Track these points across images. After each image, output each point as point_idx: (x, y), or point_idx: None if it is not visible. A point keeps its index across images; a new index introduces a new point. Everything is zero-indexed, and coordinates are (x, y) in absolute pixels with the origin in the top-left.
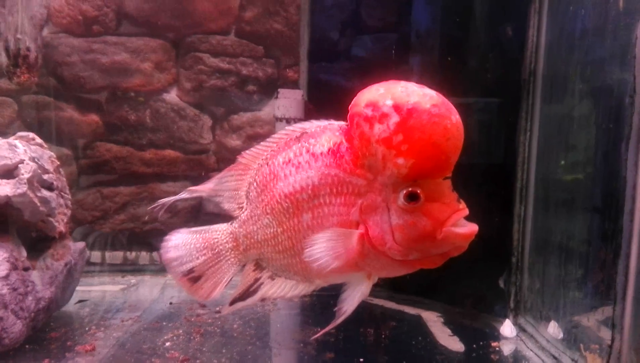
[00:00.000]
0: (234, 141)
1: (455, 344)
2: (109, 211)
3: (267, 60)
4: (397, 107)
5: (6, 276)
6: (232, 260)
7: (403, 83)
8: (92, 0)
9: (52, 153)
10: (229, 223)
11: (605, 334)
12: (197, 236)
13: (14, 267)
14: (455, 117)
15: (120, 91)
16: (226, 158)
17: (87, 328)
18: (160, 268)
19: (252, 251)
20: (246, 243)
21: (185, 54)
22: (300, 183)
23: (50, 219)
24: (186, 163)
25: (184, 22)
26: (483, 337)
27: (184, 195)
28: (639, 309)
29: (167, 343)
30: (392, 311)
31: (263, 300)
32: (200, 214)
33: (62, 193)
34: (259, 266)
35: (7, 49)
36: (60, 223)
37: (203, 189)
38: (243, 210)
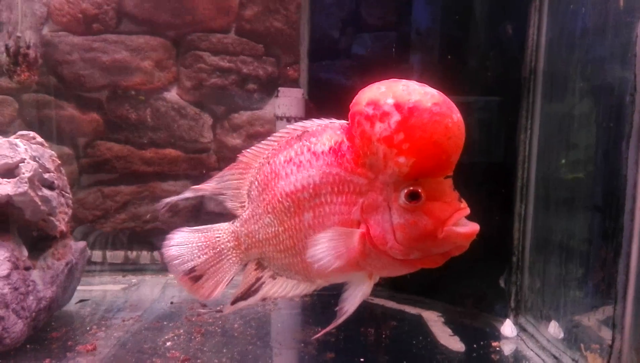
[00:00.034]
0: (234, 140)
1: (455, 344)
2: (109, 210)
3: (268, 58)
4: (398, 106)
5: (7, 276)
6: (234, 259)
7: (404, 82)
8: None
9: (53, 152)
10: (231, 222)
11: (606, 334)
12: (199, 235)
13: (15, 267)
14: (457, 116)
15: (121, 89)
16: (227, 157)
17: (88, 328)
18: (161, 268)
19: (253, 250)
20: (247, 242)
21: (186, 53)
22: (301, 181)
23: (51, 218)
24: (187, 162)
25: (184, 21)
26: (483, 336)
27: (187, 194)
28: None
29: (168, 343)
30: (392, 311)
31: (264, 299)
32: (200, 213)
33: (63, 192)
34: (260, 265)
35: (7, 48)
36: (61, 222)
37: (206, 188)
38: (245, 209)
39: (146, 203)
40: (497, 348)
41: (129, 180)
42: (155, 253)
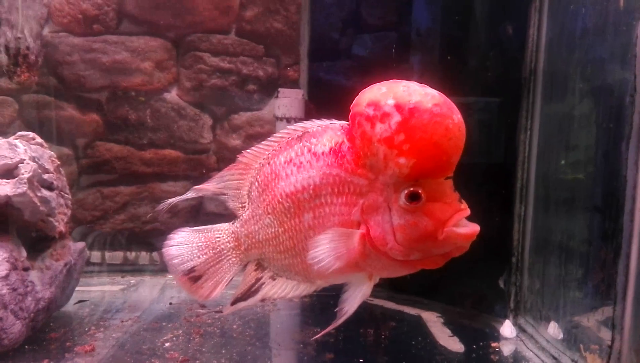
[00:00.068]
0: (234, 141)
1: (455, 344)
2: (109, 211)
3: (268, 59)
4: (398, 107)
5: (6, 277)
6: (234, 259)
7: (405, 82)
8: None
9: (53, 153)
10: (231, 222)
11: (605, 334)
12: (200, 235)
13: (14, 267)
14: (457, 116)
15: (121, 90)
16: (226, 158)
17: (86, 329)
18: (160, 269)
19: (253, 251)
20: (247, 243)
21: (186, 53)
22: (301, 182)
23: (50, 219)
24: (186, 163)
25: (185, 21)
26: (483, 337)
27: (190, 194)
28: (639, 309)
29: (167, 344)
30: (392, 312)
31: (263, 300)
32: (200, 214)
33: (62, 193)
34: (260, 266)
35: (7, 48)
36: (60, 223)
37: (209, 188)
38: (245, 210)
39: (145, 203)
40: (497, 349)
41: (129, 181)
42: (154, 254)
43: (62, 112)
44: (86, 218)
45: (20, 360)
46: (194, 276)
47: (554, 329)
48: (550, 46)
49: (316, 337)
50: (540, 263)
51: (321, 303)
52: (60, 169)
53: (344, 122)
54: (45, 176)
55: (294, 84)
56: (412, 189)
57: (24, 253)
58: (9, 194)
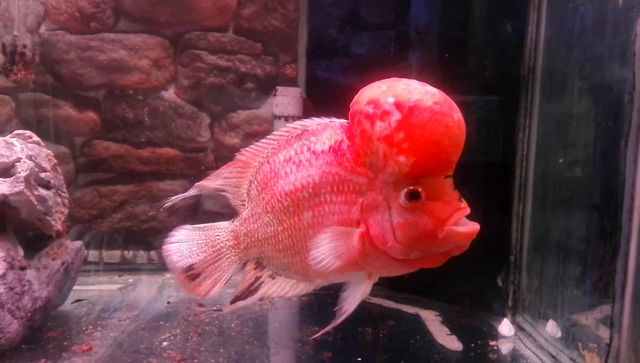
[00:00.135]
0: (232, 139)
1: (453, 343)
2: (106, 209)
3: (266, 57)
4: (398, 105)
5: (3, 276)
6: (233, 258)
7: (405, 80)
8: None
9: (50, 151)
10: (231, 220)
11: (604, 333)
12: (199, 233)
13: (11, 266)
14: (457, 115)
15: (118, 88)
16: (224, 156)
17: (84, 328)
18: (158, 267)
19: (252, 249)
20: (247, 241)
21: (183, 52)
22: (301, 181)
23: (47, 218)
24: (184, 161)
25: (182, 19)
26: (481, 335)
27: (192, 192)
28: (638, 308)
29: (165, 343)
30: (390, 310)
31: (262, 299)
32: (198, 212)
33: (60, 192)
34: (259, 264)
35: (3, 46)
36: (57, 222)
37: (210, 184)
38: (244, 208)
39: (143, 202)
40: (495, 347)
41: (126, 179)
42: (152, 253)
43: (59, 111)
44: (83, 217)
45: (17, 360)
46: (192, 274)
47: (552, 327)
48: (549, 44)
49: (315, 336)
50: (539, 262)
51: (320, 302)
52: (58, 167)
53: (343, 121)
54: (42, 175)
55: (292, 82)
56: (411, 187)
57: (21, 252)
58: (6, 193)
